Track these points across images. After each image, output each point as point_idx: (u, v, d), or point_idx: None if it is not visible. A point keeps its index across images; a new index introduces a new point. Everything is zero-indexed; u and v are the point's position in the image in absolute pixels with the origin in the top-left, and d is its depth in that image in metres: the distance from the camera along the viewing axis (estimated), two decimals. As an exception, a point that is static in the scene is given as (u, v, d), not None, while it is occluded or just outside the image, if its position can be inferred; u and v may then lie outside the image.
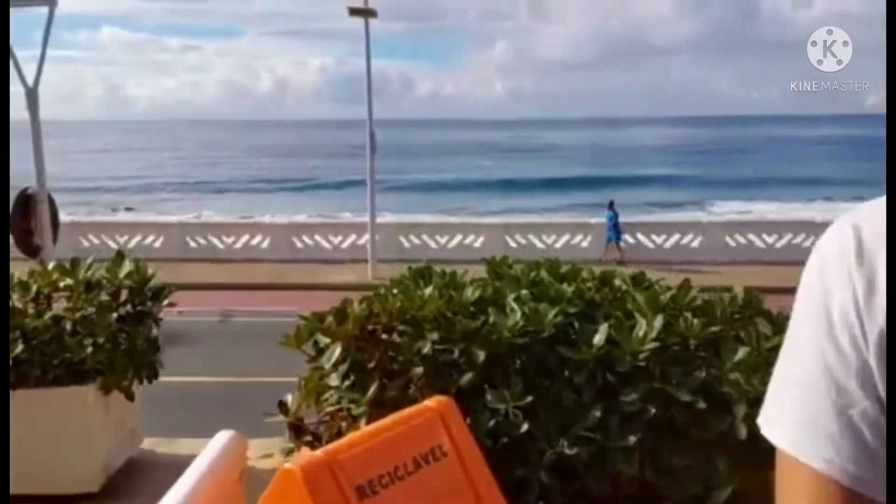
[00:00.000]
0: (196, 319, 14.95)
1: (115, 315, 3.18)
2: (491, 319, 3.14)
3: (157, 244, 20.73)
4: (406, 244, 20.55)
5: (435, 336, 3.07)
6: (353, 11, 16.84)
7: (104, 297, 3.45)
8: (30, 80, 6.32)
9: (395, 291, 3.46)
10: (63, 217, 32.01)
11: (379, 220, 20.15)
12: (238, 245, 20.78)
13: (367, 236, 18.92)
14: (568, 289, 3.40)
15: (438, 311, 3.13)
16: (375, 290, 3.53)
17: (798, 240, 19.50)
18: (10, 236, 6.22)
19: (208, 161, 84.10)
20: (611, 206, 21.24)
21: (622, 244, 20.41)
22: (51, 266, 3.06)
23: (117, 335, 3.30)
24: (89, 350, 3.21)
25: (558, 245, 20.13)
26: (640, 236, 20.63)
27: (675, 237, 20.41)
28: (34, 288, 3.08)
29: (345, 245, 20.64)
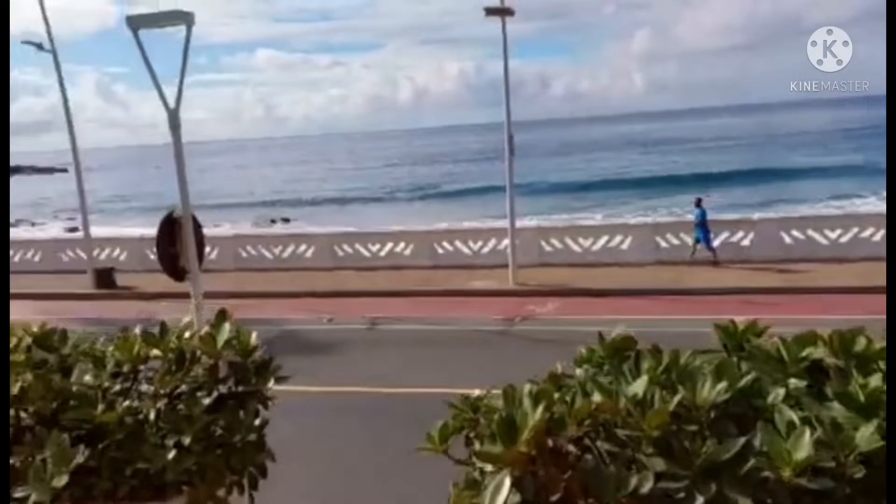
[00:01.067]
0: (344, 327, 15.36)
1: (207, 401, 2.28)
2: (756, 442, 1.79)
3: (309, 254, 21.62)
4: (547, 248, 20.00)
5: (659, 464, 1.81)
6: (490, 11, 16.65)
7: (195, 374, 2.50)
8: (172, 102, 6.54)
9: (583, 380, 2.12)
10: (223, 230, 34.24)
11: (519, 223, 19.76)
12: (382, 253, 21.21)
13: (507, 241, 18.60)
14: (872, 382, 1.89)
15: (663, 425, 1.85)
16: (557, 383, 2.18)
17: None
18: (159, 261, 6.42)
19: (354, 172, 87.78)
20: (698, 203, 19.34)
21: (713, 244, 18.39)
22: (136, 331, 2.26)
23: (211, 428, 2.37)
24: (172, 454, 2.26)
25: (716, 244, 18.69)
26: (810, 232, 18.40)
27: (853, 230, 18.09)
28: (111, 363, 2.27)
29: (485, 250, 20.45)
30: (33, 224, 53.36)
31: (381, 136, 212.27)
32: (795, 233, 18.48)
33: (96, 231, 23.43)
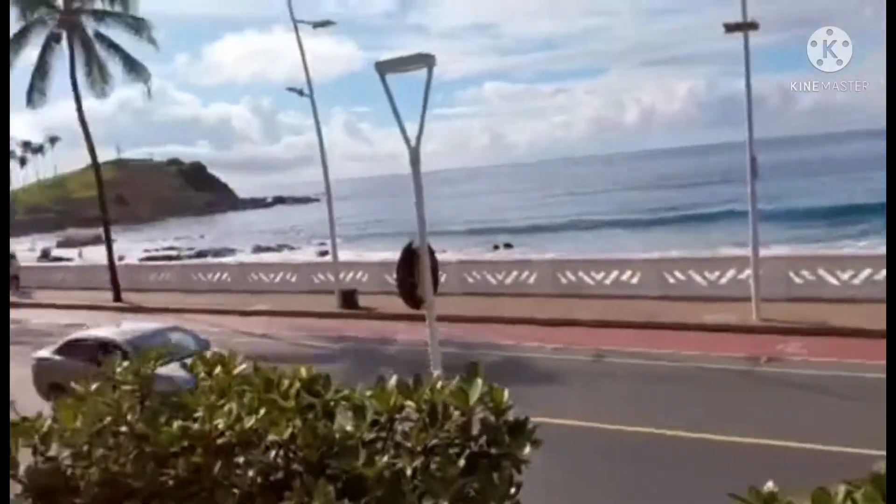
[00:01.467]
0: (569, 357, 15.09)
1: (462, 461, 2.10)
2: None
3: (531, 280, 21.73)
4: (797, 280, 17.97)
5: None
6: (730, 27, 15.55)
7: (447, 429, 2.32)
8: (413, 140, 6.89)
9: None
10: (450, 255, 35.72)
11: (763, 252, 18.00)
12: (608, 281, 20.62)
13: (748, 271, 17.03)
14: None
15: None
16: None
17: None
18: (398, 289, 6.83)
19: (579, 197, 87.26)
20: None
21: None
22: (391, 383, 2.14)
23: (465, 490, 2.10)
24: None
25: None
26: None
27: None
28: (370, 413, 2.20)
29: (723, 281, 18.94)
30: (292, 248, 60.36)
31: (606, 160, 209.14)
32: None
33: (342, 255, 25.71)
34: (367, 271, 24.72)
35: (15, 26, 26.54)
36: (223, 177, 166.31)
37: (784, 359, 13.61)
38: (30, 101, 27.31)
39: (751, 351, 14.11)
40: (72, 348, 13.43)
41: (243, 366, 2.35)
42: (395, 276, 22.64)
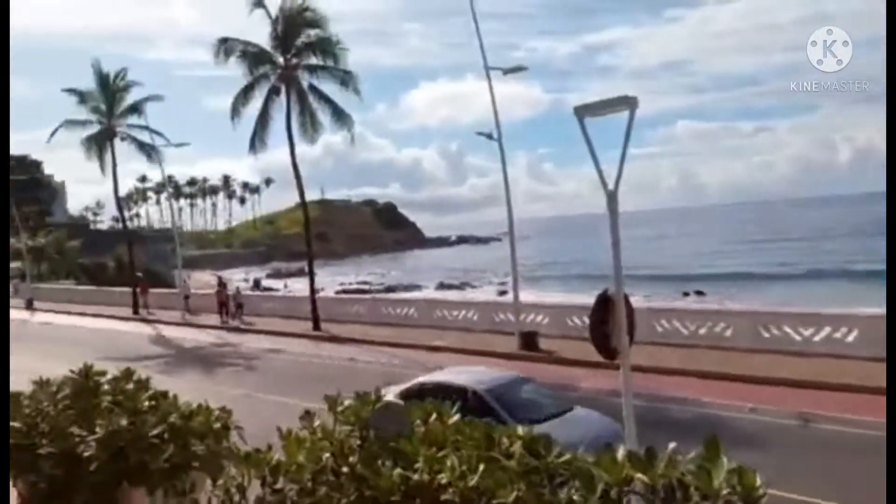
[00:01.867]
0: (770, 420, 13.71)
1: None
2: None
3: (728, 333, 20.18)
4: None
5: None
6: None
7: None
8: (610, 184, 6.68)
9: None
10: (637, 301, 34.45)
11: None
12: (818, 338, 18.58)
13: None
14: None
15: None
16: None
17: None
18: (591, 338, 6.55)
19: (781, 244, 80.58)
20: None
21: None
22: (620, 454, 1.94)
23: None
24: None
25: None
26: None
27: None
28: (600, 484, 1.99)
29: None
30: (473, 286, 61.70)
31: (811, 203, 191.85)
32: None
33: (523, 296, 25.71)
34: (548, 314, 24.46)
35: (242, 81, 30.15)
36: (412, 216, 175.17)
37: None
38: (252, 147, 30.69)
39: None
40: (423, 393, 13.13)
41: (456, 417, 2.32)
42: (576, 320, 22.02)
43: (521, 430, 2.17)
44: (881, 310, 21.76)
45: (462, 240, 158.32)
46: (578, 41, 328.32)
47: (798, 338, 18.89)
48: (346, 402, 2.54)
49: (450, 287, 59.84)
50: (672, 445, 2.25)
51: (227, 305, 33.91)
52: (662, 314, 22.23)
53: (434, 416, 2.33)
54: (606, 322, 6.50)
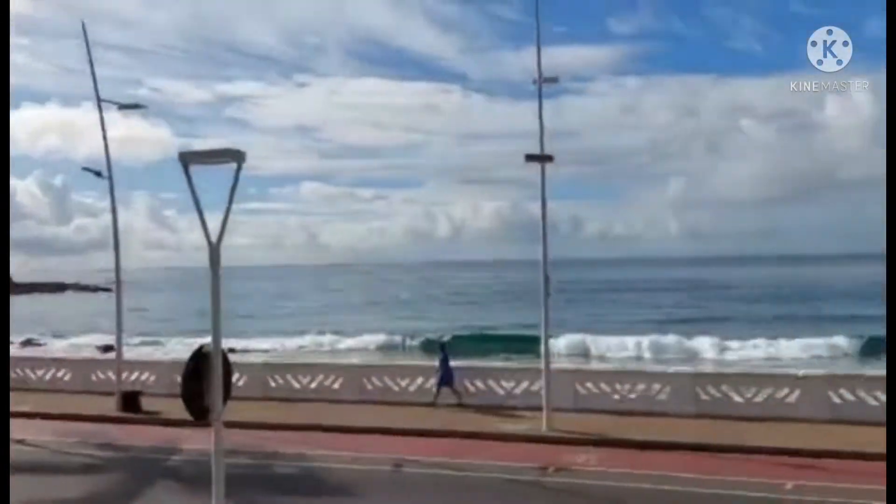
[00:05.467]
0: (369, 468, 14.60)
1: None
2: None
3: (336, 385, 21.18)
4: (583, 391, 19.26)
5: None
6: (530, 158, 17.15)
7: None
8: (213, 237, 6.56)
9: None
10: (254, 358, 34.06)
11: (555, 365, 19.19)
12: (412, 388, 20.66)
13: (540, 382, 17.99)
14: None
15: None
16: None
17: None
18: (182, 398, 6.20)
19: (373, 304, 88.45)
20: (442, 348, 21.58)
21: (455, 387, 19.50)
22: None
23: None
24: None
25: (758, 399, 17.79)
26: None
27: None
28: None
29: (518, 391, 19.78)
30: (63, 339, 54.17)
31: (419, 268, 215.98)
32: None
33: (130, 352, 23.45)
34: (156, 370, 22.70)
35: None
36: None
37: (571, 469, 14.26)
38: None
39: (541, 461, 14.64)
40: None
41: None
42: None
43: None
44: (465, 362, 25.08)
45: (60, 287, 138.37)
46: (211, 89, 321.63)
47: (396, 388, 20.73)
48: None
49: (36, 344, 51.51)
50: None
51: None
52: (277, 369, 22.38)
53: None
54: (199, 379, 6.23)
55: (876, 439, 15.24)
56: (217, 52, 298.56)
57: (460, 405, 19.51)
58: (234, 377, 20.33)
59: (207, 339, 6.66)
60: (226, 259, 7.09)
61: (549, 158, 17.17)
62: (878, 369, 30.02)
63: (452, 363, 20.35)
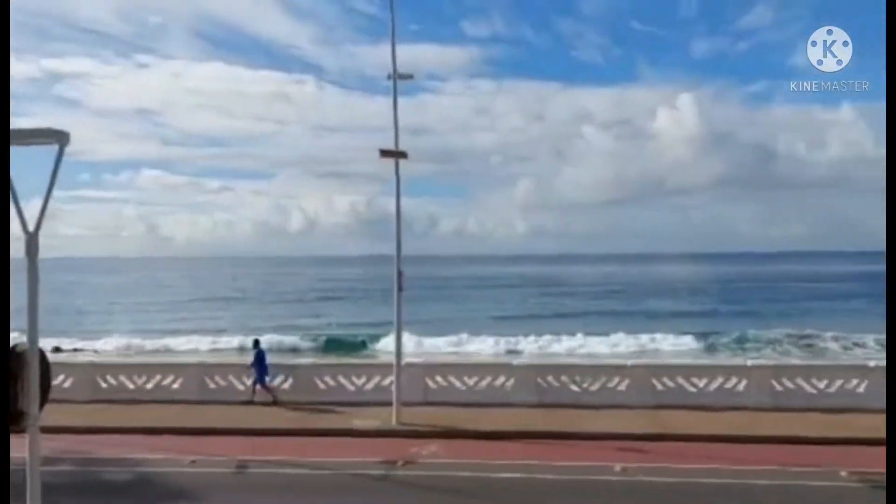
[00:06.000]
0: (209, 470, 13.95)
1: None
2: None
3: (176, 385, 20.02)
4: (433, 385, 19.60)
5: None
6: (385, 153, 17.12)
7: None
8: (31, 226, 5.95)
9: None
10: (82, 357, 31.46)
11: (405, 360, 19.34)
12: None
13: (391, 377, 18.07)
14: None
15: None
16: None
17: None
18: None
19: (231, 298, 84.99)
20: (255, 344, 20.41)
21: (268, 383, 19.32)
22: None
23: None
24: None
25: (593, 388, 19.03)
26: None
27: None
28: None
29: (369, 387, 19.74)
30: None
31: (270, 263, 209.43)
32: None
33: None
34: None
35: None
36: None
37: (419, 461, 14.46)
38: None
39: (390, 455, 14.71)
40: None
41: None
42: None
43: None
44: (310, 360, 24.65)
45: None
46: (37, 64, 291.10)
47: (242, 387, 19.96)
48: None
49: None
50: None
51: None
52: (109, 369, 20.76)
53: None
54: (14, 381, 5.58)
55: (692, 423, 16.86)
56: (46, 24, 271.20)
57: (275, 403, 19.12)
58: (60, 378, 18.84)
59: (23, 338, 6.02)
60: (47, 249, 6.48)
61: (403, 155, 17.26)
62: (698, 359, 33.30)
63: (268, 360, 19.93)
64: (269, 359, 20.24)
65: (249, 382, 19.55)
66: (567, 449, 15.17)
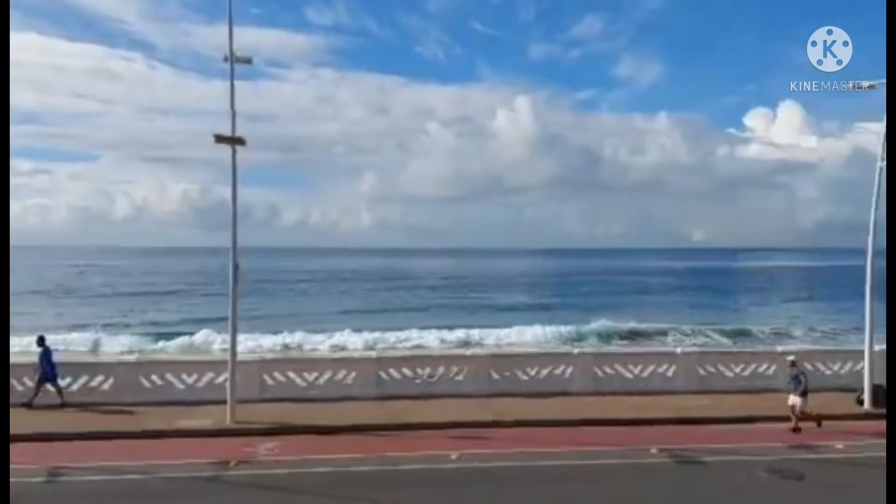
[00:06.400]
0: (16, 480, 12.55)
1: None
2: None
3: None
4: (270, 381, 18.99)
5: None
6: (220, 139, 16.24)
7: None
8: None
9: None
10: None
11: (240, 357, 18.54)
12: (75, 387, 18.27)
13: (225, 374, 17.26)
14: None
15: None
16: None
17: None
18: None
19: (52, 292, 77.39)
20: (41, 341, 18.38)
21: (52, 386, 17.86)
22: None
23: None
24: None
25: (433, 378, 19.41)
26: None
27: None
28: None
29: (201, 384, 18.73)
30: None
31: (89, 252, 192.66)
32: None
33: None
34: None
35: None
36: None
37: (254, 460, 13.97)
38: None
39: (223, 455, 14.07)
40: None
41: None
42: None
43: None
44: (139, 356, 23.01)
45: None
46: None
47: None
48: None
49: None
50: None
51: None
52: None
53: None
54: None
55: (523, 410, 17.74)
56: None
57: (63, 405, 17.74)
58: None
59: None
60: None
61: (240, 141, 16.51)
62: (528, 347, 35.06)
63: (55, 358, 18.46)
64: (57, 357, 18.65)
65: (33, 383, 17.82)
66: (405, 440, 15.35)
